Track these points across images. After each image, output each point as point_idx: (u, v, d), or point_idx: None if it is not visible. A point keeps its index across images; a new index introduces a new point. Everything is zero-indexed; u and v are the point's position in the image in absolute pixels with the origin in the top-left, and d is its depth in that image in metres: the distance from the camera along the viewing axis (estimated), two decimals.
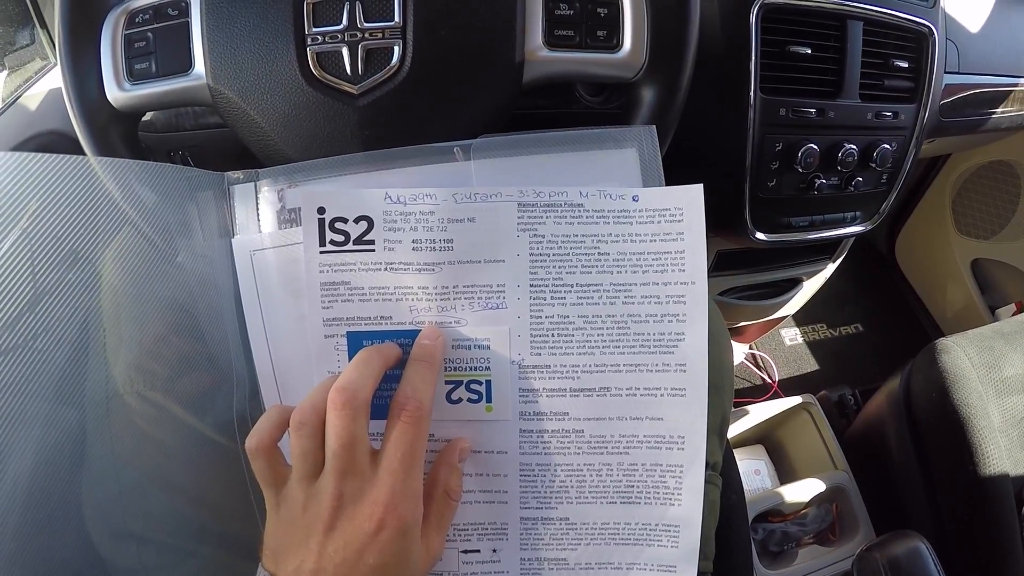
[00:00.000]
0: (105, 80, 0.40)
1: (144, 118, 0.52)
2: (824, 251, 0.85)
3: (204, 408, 0.43)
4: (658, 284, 0.35)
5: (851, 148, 0.64)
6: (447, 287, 0.35)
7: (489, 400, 0.36)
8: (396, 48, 0.37)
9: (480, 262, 0.35)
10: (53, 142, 0.66)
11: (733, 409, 1.04)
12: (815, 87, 0.62)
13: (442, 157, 0.36)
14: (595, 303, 0.35)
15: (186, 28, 0.39)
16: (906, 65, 0.65)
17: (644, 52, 0.40)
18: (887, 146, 0.66)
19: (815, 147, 0.62)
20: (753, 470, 1.04)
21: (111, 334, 0.43)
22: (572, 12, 0.39)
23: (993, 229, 1.22)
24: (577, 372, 0.36)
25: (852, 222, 0.71)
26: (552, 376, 0.36)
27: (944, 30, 0.68)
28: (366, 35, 0.37)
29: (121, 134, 0.41)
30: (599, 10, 0.39)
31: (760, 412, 1.04)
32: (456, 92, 0.38)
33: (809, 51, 0.59)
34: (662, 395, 0.35)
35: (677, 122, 0.42)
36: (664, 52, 0.40)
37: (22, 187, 0.33)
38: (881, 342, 1.43)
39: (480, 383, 0.36)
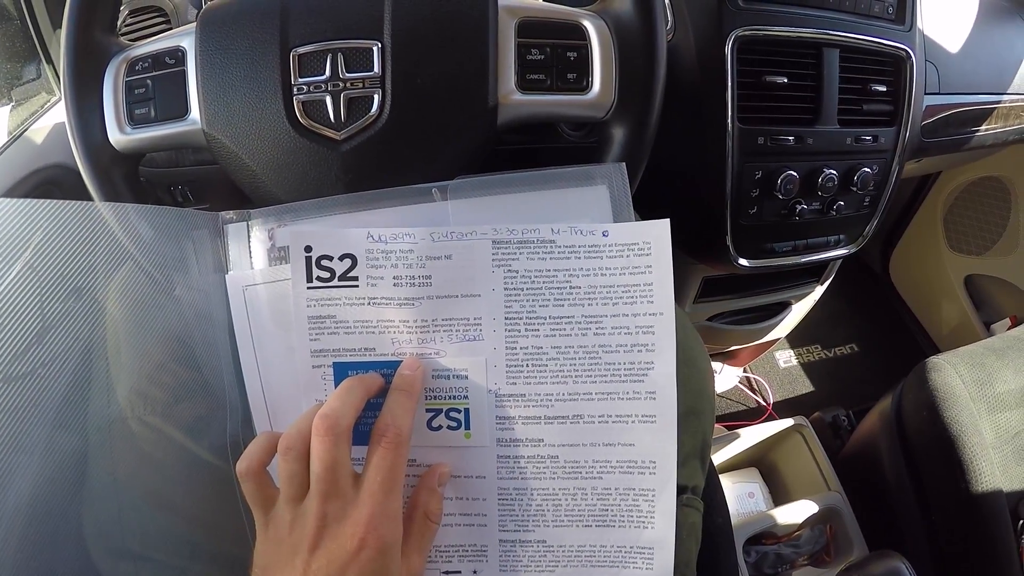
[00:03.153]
0: (107, 124, 0.42)
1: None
2: (811, 274, 0.86)
3: (200, 432, 0.44)
4: (628, 315, 0.36)
5: (831, 173, 0.65)
6: (427, 320, 0.37)
7: (468, 427, 0.38)
8: (376, 96, 0.39)
9: (457, 296, 0.37)
10: (58, 175, 0.69)
11: (725, 433, 1.05)
12: (793, 114, 0.63)
13: (421, 197, 0.38)
14: (567, 334, 0.37)
15: (183, 76, 0.41)
16: (884, 89, 0.66)
17: (613, 92, 0.42)
18: (868, 169, 0.67)
19: (795, 174, 0.63)
20: (747, 493, 1.04)
21: (114, 362, 0.45)
22: (543, 56, 0.41)
23: (985, 245, 1.23)
24: (551, 400, 0.37)
25: (836, 245, 0.72)
26: (527, 404, 0.37)
27: (923, 52, 0.69)
28: (348, 85, 0.39)
29: (123, 174, 0.43)
30: (568, 54, 0.41)
31: (752, 435, 1.04)
32: (433, 136, 0.40)
33: (785, 80, 0.61)
34: (633, 422, 0.37)
35: (647, 157, 0.44)
36: (632, 92, 0.42)
37: (29, 230, 0.35)
38: (876, 362, 1.43)
39: (459, 411, 0.38)
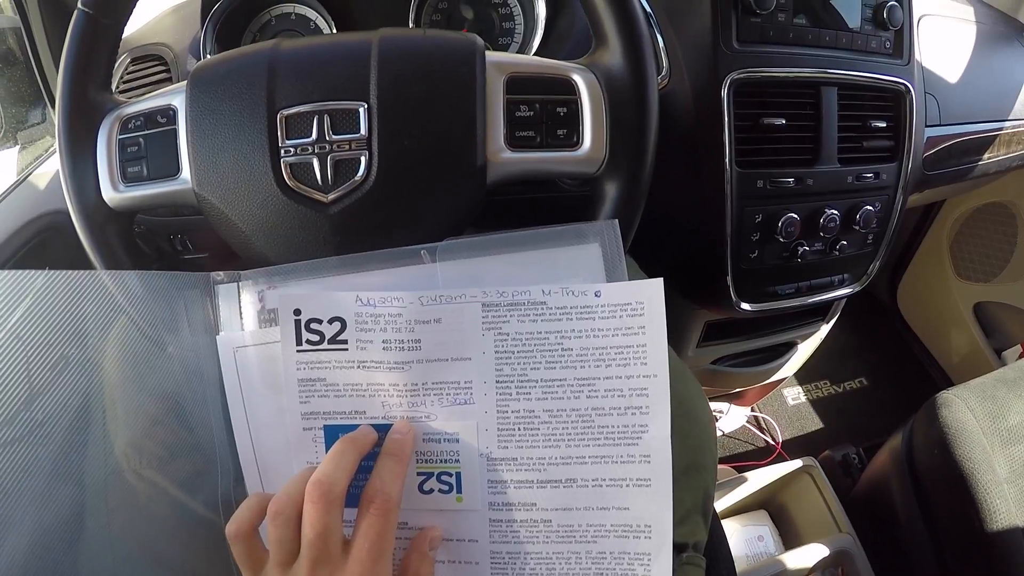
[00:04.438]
0: (101, 182, 0.42)
1: None
2: (817, 313, 0.85)
3: (194, 488, 0.44)
4: (621, 378, 0.36)
5: (833, 213, 0.64)
6: (417, 384, 0.36)
7: (460, 491, 0.37)
8: (363, 158, 0.39)
9: (447, 360, 0.36)
10: (60, 221, 0.70)
11: (733, 476, 1.03)
12: (792, 155, 0.62)
13: (410, 259, 0.37)
14: (560, 397, 0.36)
15: (174, 135, 0.41)
16: (884, 125, 0.65)
17: (604, 148, 0.41)
18: (870, 207, 0.67)
19: (796, 216, 0.62)
20: (756, 536, 1.01)
21: (110, 416, 0.45)
22: (532, 113, 0.41)
23: (993, 271, 1.21)
24: (544, 464, 0.36)
25: (840, 285, 0.71)
26: (519, 468, 0.37)
27: (922, 85, 0.69)
28: (334, 147, 0.39)
29: (117, 232, 0.43)
30: (558, 109, 0.41)
31: (760, 478, 1.02)
32: (422, 198, 0.40)
33: (783, 121, 0.60)
34: (627, 485, 0.36)
35: (641, 213, 0.43)
36: (624, 147, 0.42)
37: (15, 300, 0.35)
38: (887, 395, 1.40)
39: (450, 475, 0.37)
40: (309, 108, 0.39)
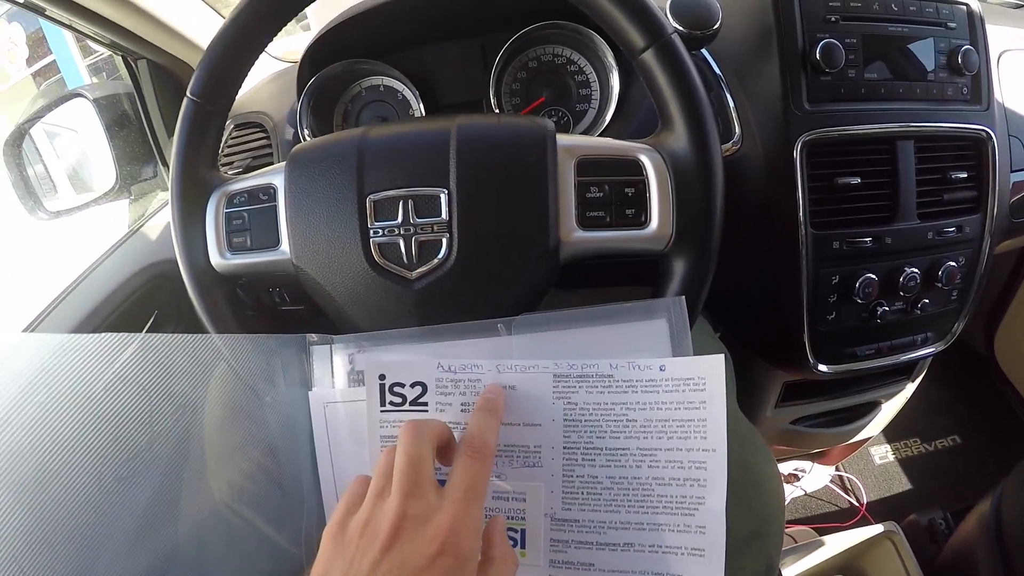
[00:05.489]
0: (210, 250, 0.47)
1: None
2: (900, 372, 0.81)
3: (280, 526, 0.48)
4: (681, 450, 0.37)
5: (913, 272, 0.62)
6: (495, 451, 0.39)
7: (523, 547, 0.39)
8: (444, 240, 0.42)
9: (519, 425, 0.39)
10: (169, 270, 0.78)
11: (810, 540, 0.98)
12: (869, 214, 0.60)
13: (488, 332, 0.40)
14: (622, 465, 0.38)
15: (274, 211, 0.46)
16: (965, 175, 0.63)
17: (671, 226, 0.43)
18: (953, 263, 0.64)
19: (873, 276, 0.61)
20: None
21: (211, 457, 0.50)
22: (602, 194, 0.43)
23: None
24: (604, 528, 0.38)
25: (923, 344, 0.68)
26: (581, 530, 0.38)
27: (1004, 128, 0.66)
28: (418, 229, 0.42)
29: (223, 294, 0.48)
30: (627, 190, 0.43)
31: (839, 542, 0.98)
32: (498, 277, 0.43)
33: (858, 180, 0.59)
34: (682, 553, 0.37)
35: (707, 289, 0.44)
36: (691, 226, 0.43)
37: (143, 361, 0.41)
38: (982, 454, 1.30)
39: (516, 531, 0.39)
40: (395, 194, 0.43)
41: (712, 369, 0.37)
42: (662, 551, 0.37)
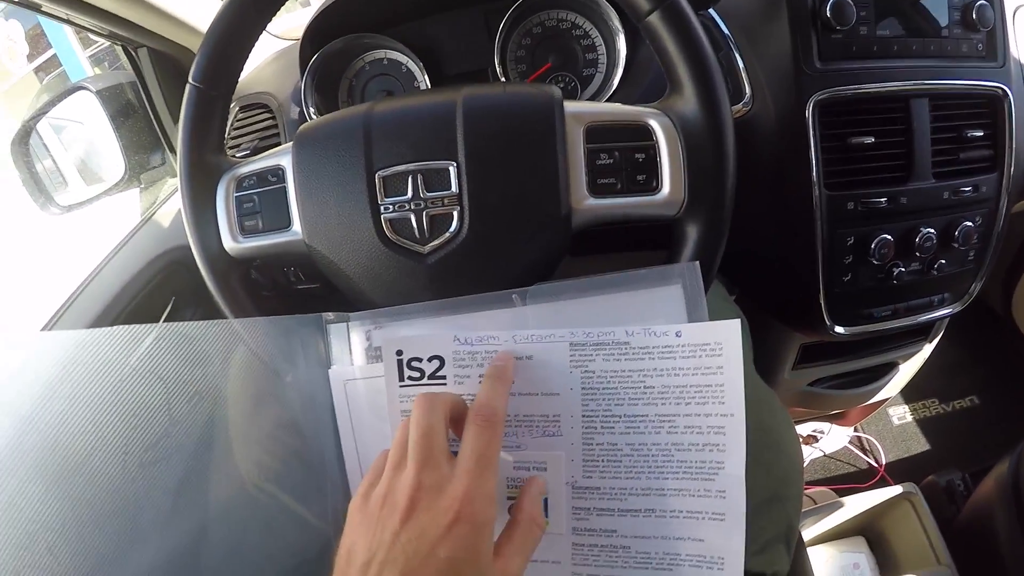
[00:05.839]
0: (222, 234, 0.47)
1: None
2: (918, 333, 0.80)
3: (307, 501, 0.49)
4: (699, 415, 0.37)
5: (929, 232, 0.62)
6: (508, 416, 0.39)
7: (546, 515, 0.39)
8: (455, 213, 0.42)
9: (538, 395, 0.39)
10: (185, 256, 0.78)
11: (829, 501, 0.99)
12: (883, 174, 0.60)
13: (503, 303, 0.40)
14: (641, 432, 0.38)
15: (284, 192, 0.46)
16: (981, 133, 0.62)
17: (683, 191, 0.42)
18: (969, 223, 0.63)
19: (889, 237, 0.60)
20: (852, 563, 0.97)
21: (235, 438, 0.51)
22: (612, 160, 0.42)
23: None
24: (625, 495, 0.38)
25: (940, 305, 0.68)
26: (602, 497, 0.39)
27: (1021, 85, 0.64)
28: (429, 203, 0.42)
29: (238, 277, 0.49)
30: (637, 155, 0.42)
31: (858, 503, 0.98)
32: (511, 247, 0.42)
33: (872, 139, 0.58)
34: (703, 518, 0.38)
35: (722, 253, 0.44)
36: (703, 189, 0.42)
37: (159, 350, 0.41)
38: (1000, 414, 1.29)
39: None
40: (403, 169, 0.42)
41: (728, 334, 0.37)
42: (683, 516, 0.38)
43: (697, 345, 0.37)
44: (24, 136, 0.75)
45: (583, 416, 0.39)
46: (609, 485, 0.39)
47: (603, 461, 0.39)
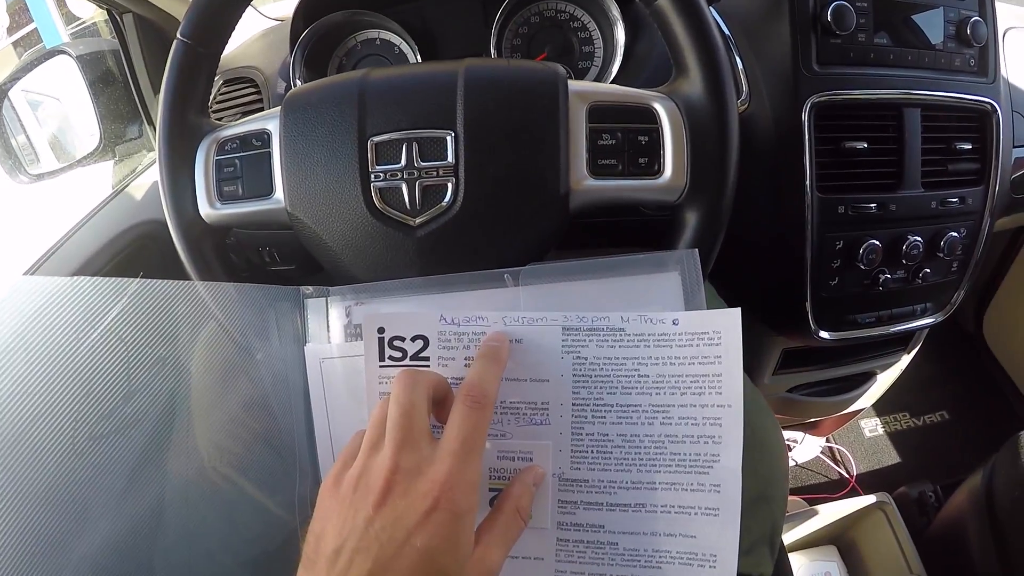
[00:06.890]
0: (199, 199, 0.45)
1: None
2: (897, 343, 0.81)
3: (272, 489, 0.46)
4: (695, 406, 0.36)
5: (916, 240, 0.62)
6: (495, 402, 0.37)
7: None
8: (449, 185, 0.40)
9: (526, 381, 0.37)
10: (155, 230, 0.75)
11: (804, 508, 0.99)
12: (874, 179, 0.60)
13: (493, 283, 0.39)
14: (634, 423, 0.36)
15: (268, 157, 0.43)
16: (970, 147, 0.63)
17: (685, 176, 0.41)
18: (955, 234, 0.64)
19: (877, 243, 0.60)
20: (823, 572, 0.98)
21: (197, 416, 0.48)
22: (614, 141, 0.41)
23: None
24: (614, 488, 0.37)
25: (922, 315, 0.68)
26: (590, 490, 0.37)
27: (1009, 103, 0.66)
28: (423, 173, 0.40)
29: (212, 246, 0.46)
30: (640, 138, 0.41)
31: (831, 512, 0.98)
32: (506, 224, 0.41)
33: (865, 145, 0.59)
34: (696, 514, 0.36)
35: (721, 242, 0.43)
36: (705, 176, 0.41)
37: (109, 303, 0.38)
38: (969, 430, 1.32)
39: None
40: (398, 136, 0.41)
41: (728, 323, 0.35)
42: (675, 511, 0.36)
43: (695, 334, 0.36)
44: None
45: (573, 404, 0.37)
46: (598, 477, 0.37)
47: (592, 452, 0.37)
